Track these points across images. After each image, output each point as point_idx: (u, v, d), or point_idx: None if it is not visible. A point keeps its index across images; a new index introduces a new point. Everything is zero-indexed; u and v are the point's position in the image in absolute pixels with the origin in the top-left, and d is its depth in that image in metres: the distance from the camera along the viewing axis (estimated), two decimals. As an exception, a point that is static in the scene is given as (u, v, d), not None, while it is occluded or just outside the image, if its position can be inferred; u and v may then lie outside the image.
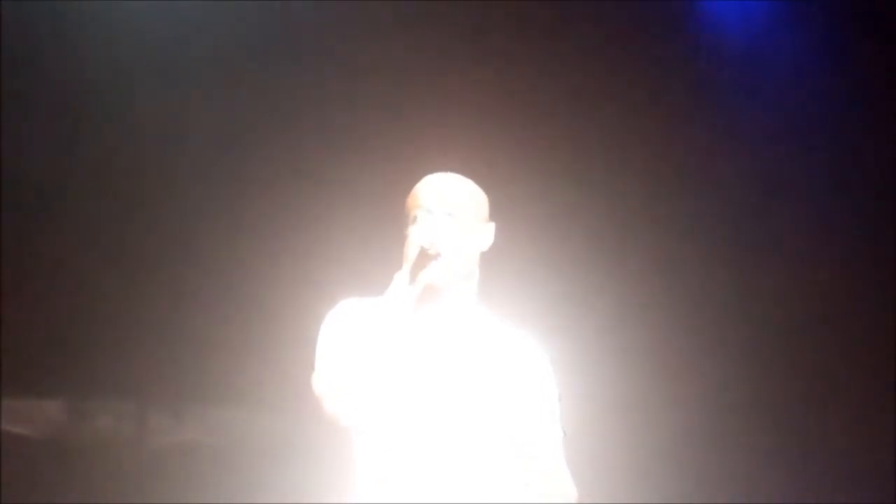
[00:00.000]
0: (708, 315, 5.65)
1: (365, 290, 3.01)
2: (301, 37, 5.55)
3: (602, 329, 5.43)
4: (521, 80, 5.59)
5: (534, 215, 5.39)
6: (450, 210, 2.94)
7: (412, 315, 2.85)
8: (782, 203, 5.73)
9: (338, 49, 5.55)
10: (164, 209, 5.55)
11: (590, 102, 5.63)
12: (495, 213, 3.05)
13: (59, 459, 5.54)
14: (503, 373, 2.95)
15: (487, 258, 3.04)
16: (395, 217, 3.04)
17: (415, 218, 2.95)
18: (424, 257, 2.89)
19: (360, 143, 5.51)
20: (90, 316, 5.51)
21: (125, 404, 5.69)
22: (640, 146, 5.69)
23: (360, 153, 5.48)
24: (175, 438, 5.67)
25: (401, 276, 2.85)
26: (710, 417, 5.61)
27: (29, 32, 5.42)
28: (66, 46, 5.43)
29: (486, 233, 3.00)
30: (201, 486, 5.37)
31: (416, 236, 2.91)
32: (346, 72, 5.54)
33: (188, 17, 5.51)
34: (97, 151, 5.49)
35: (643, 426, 5.51)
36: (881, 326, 5.64)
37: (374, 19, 5.52)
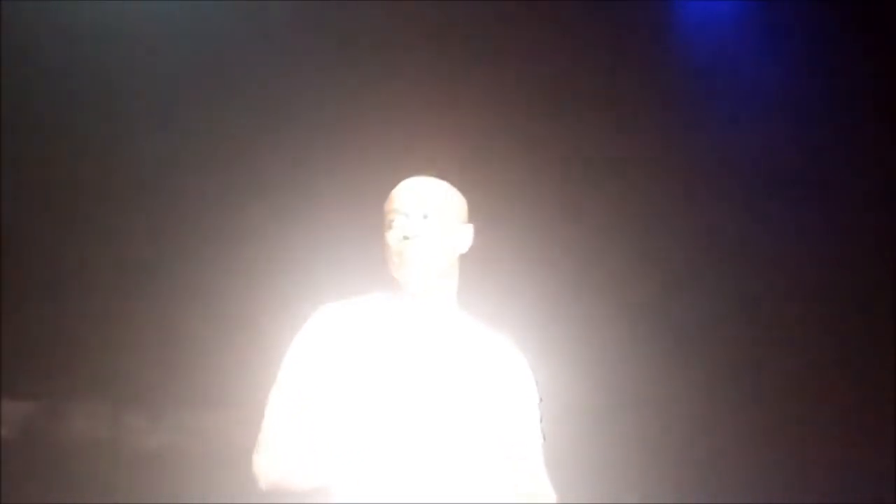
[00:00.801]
0: (699, 314, 5.67)
1: (348, 290, 3.02)
2: (295, 39, 5.56)
3: (584, 330, 5.43)
4: (508, 81, 5.60)
5: (520, 216, 5.40)
6: (426, 212, 2.94)
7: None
8: (781, 201, 5.76)
9: (328, 52, 5.55)
10: (149, 212, 5.55)
11: (583, 102, 5.64)
12: (480, 214, 3.06)
13: (33, 461, 5.53)
14: (484, 376, 2.95)
15: (469, 260, 3.04)
16: (380, 219, 3.04)
17: (391, 222, 2.95)
18: (400, 259, 2.91)
19: (345, 146, 5.51)
20: (66, 317, 5.50)
21: (100, 406, 5.68)
22: (631, 146, 5.71)
23: (345, 156, 5.48)
24: (150, 441, 5.66)
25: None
26: (703, 416, 5.64)
27: (29, 32, 5.42)
28: (65, 46, 5.44)
29: (464, 234, 3.00)
30: (176, 490, 5.36)
31: (392, 239, 2.92)
32: (337, 75, 5.54)
33: (184, 17, 5.52)
34: (91, 151, 5.49)
35: (633, 425, 5.52)
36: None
37: (369, 22, 5.52)
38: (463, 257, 3.02)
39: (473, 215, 3.05)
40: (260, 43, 5.55)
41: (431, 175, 3.04)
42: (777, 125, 5.77)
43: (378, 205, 3.03)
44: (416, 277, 2.91)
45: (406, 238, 2.91)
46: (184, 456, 5.59)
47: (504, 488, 2.94)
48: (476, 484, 2.91)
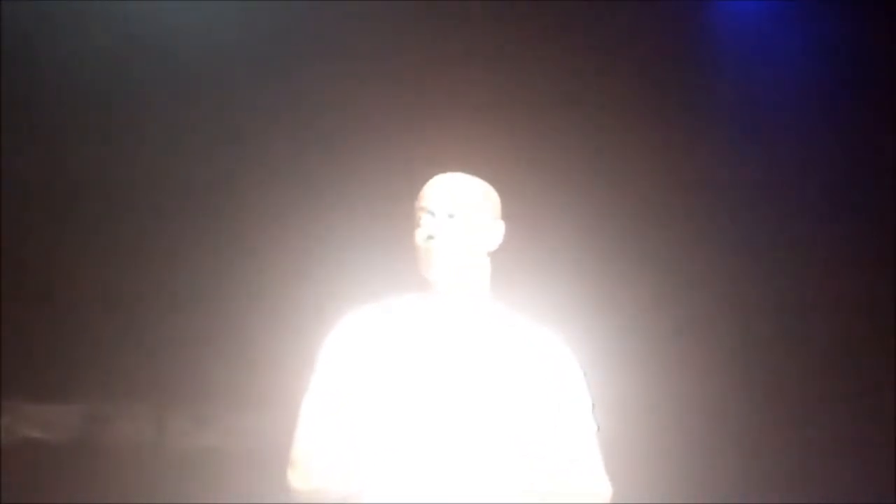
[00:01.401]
0: (729, 313, 5.64)
1: (383, 290, 3.03)
2: (318, 29, 5.55)
3: (620, 327, 5.41)
4: (539, 77, 5.59)
5: (554, 214, 5.38)
6: (452, 211, 2.94)
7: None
8: (807, 201, 5.71)
9: (342, 47, 5.54)
10: (190, 216, 5.56)
11: (614, 99, 5.62)
12: (514, 212, 3.05)
13: (78, 464, 5.54)
14: (526, 370, 2.92)
15: (505, 257, 3.03)
16: (408, 218, 3.05)
17: (419, 220, 2.96)
18: (426, 258, 2.92)
19: (369, 142, 5.50)
20: (109, 320, 5.51)
21: (145, 408, 5.69)
22: (662, 144, 5.68)
23: (371, 152, 5.47)
24: (195, 443, 5.67)
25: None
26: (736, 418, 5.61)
27: (30, 32, 5.43)
28: (66, 46, 5.43)
29: (494, 231, 2.99)
30: (221, 492, 5.36)
31: (419, 238, 2.93)
32: (351, 70, 5.53)
33: (187, 17, 5.50)
34: (117, 153, 5.50)
35: (666, 426, 5.50)
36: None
37: (383, 17, 5.51)
38: (504, 253, 3.01)
39: (516, 211, 3.03)
40: (285, 32, 5.54)
41: (464, 171, 3.03)
42: (816, 128, 5.74)
43: (412, 203, 3.03)
44: (441, 276, 2.91)
45: (430, 237, 2.91)
46: (229, 458, 5.60)
47: (549, 489, 2.89)
48: (525, 487, 2.87)
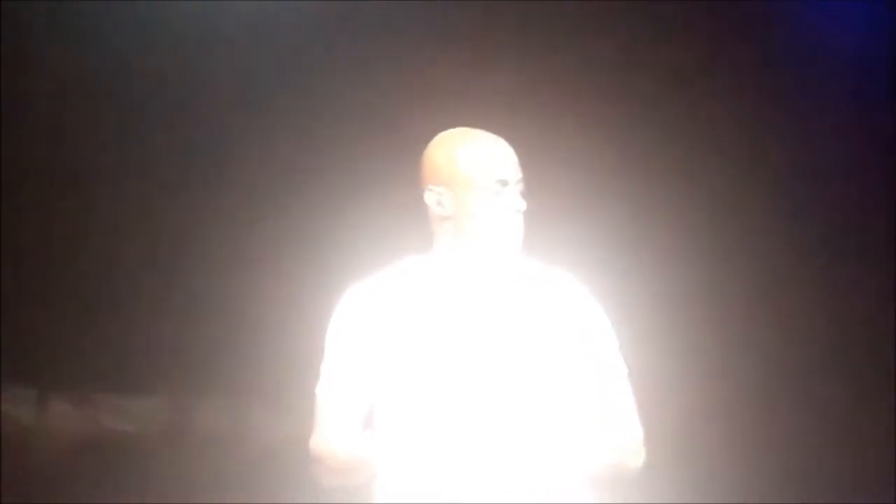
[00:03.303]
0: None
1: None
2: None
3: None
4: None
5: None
6: (518, 178, 2.83)
7: None
8: (871, 195, 5.60)
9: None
10: (254, 212, 5.57)
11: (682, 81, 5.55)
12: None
13: (161, 455, 5.59)
14: (551, 321, 2.81)
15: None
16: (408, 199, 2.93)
17: (489, 191, 2.79)
18: (504, 233, 2.80)
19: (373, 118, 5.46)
20: (188, 315, 5.55)
21: (226, 400, 5.72)
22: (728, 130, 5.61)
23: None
24: (277, 433, 5.67)
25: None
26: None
27: (31, 31, 5.45)
28: (66, 45, 5.45)
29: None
30: (304, 481, 5.35)
31: (497, 211, 2.80)
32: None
33: (194, 13, 5.50)
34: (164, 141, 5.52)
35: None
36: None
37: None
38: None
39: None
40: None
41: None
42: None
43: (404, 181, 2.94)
44: (516, 252, 2.82)
45: (518, 212, 2.80)
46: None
47: (589, 441, 2.78)
48: (565, 443, 2.76)
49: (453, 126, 2.90)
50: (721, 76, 5.61)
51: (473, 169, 2.80)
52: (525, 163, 2.85)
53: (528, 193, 2.83)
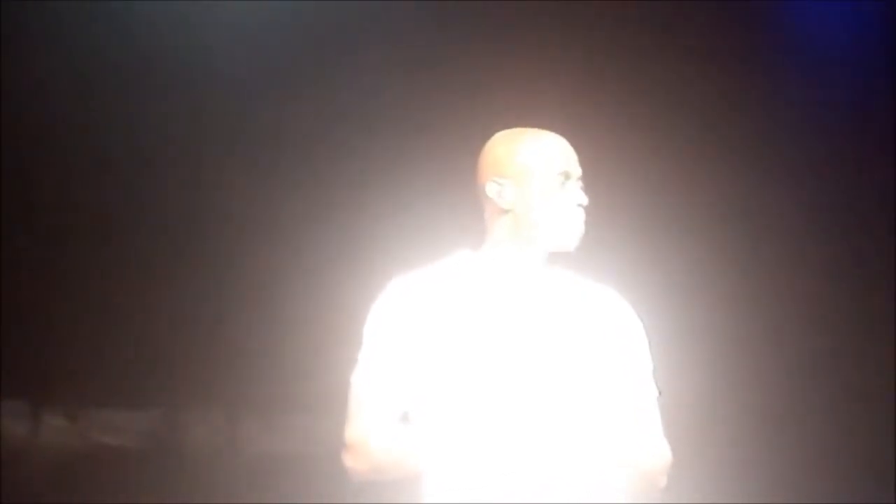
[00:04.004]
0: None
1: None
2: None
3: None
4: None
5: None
6: (580, 173, 2.86)
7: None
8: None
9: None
10: (254, 223, 5.55)
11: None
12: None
13: (152, 469, 5.57)
14: (593, 330, 2.82)
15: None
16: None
17: (559, 183, 2.82)
18: (571, 227, 2.82)
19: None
20: (181, 326, 5.53)
21: (217, 414, 5.71)
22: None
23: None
24: (266, 446, 5.68)
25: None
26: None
27: (30, 31, 5.44)
28: (69, 43, 5.44)
29: None
30: (296, 494, 5.34)
31: (566, 204, 2.82)
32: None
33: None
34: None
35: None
36: None
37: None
38: None
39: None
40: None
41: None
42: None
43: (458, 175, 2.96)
44: (573, 246, 2.83)
45: (580, 206, 2.82)
46: (302, 460, 5.59)
47: (617, 454, 2.80)
48: (586, 452, 2.77)
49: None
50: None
51: (537, 161, 2.82)
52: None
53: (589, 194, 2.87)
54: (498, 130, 2.91)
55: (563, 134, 2.89)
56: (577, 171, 2.85)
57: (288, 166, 5.52)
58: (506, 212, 2.83)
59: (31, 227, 5.48)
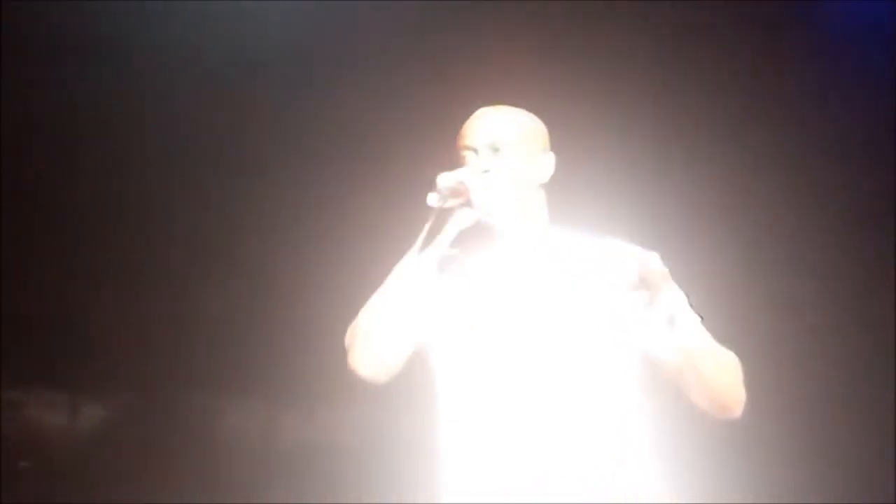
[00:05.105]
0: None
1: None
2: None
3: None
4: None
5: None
6: (496, 145, 2.81)
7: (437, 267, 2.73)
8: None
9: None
10: (292, 214, 5.63)
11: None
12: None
13: (192, 456, 5.67)
14: (608, 288, 2.76)
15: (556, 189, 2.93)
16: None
17: (462, 159, 2.82)
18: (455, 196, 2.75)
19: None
20: (221, 315, 5.65)
21: (255, 402, 5.78)
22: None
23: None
24: (305, 437, 5.75)
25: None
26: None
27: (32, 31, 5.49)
28: (70, 42, 5.50)
29: (544, 164, 2.87)
30: (332, 486, 5.45)
31: (449, 177, 2.77)
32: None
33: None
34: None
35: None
36: None
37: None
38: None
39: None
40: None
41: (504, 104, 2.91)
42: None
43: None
44: (495, 214, 2.77)
45: (484, 173, 2.77)
46: (340, 452, 5.70)
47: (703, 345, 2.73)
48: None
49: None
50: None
51: (458, 140, 2.87)
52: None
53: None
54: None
55: (557, 127, 2.93)
56: (480, 142, 2.81)
57: (332, 168, 5.59)
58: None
59: (84, 229, 5.58)
